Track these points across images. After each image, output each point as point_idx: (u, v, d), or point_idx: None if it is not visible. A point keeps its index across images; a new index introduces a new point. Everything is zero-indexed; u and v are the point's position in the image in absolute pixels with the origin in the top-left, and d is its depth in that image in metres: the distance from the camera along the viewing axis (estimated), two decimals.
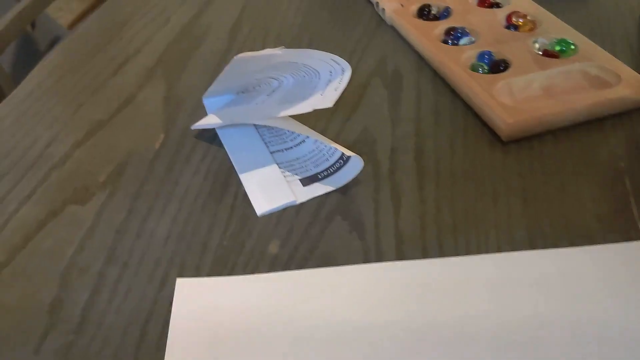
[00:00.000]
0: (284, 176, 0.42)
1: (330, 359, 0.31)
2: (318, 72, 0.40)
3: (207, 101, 0.48)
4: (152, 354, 0.31)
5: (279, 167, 0.42)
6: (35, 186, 0.42)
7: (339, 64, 0.38)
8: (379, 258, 0.36)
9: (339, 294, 0.34)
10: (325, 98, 0.38)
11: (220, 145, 0.45)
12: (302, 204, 0.40)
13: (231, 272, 0.36)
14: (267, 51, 0.36)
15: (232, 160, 0.43)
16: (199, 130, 0.46)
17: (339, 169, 0.42)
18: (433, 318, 0.33)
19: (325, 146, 0.43)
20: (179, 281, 0.35)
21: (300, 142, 0.44)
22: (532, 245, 0.37)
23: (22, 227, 0.39)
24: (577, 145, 0.44)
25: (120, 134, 0.46)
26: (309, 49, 0.37)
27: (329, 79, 0.39)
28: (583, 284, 0.34)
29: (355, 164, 0.41)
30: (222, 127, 0.45)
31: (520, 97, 0.46)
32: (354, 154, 0.40)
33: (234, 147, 0.44)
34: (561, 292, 0.34)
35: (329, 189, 0.41)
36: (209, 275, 0.36)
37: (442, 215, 0.39)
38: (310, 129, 0.44)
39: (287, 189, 0.40)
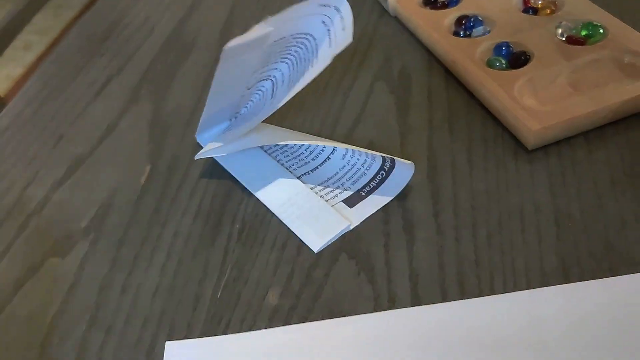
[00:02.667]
0: (326, 201, 0.37)
1: None
2: (311, 35, 0.35)
3: (201, 137, 0.43)
4: None
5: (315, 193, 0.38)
6: (12, 239, 0.38)
7: (329, 6, 0.33)
8: (392, 304, 0.32)
9: (346, 350, 0.30)
10: (340, 39, 0.34)
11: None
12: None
13: (226, 330, 0.32)
14: (257, 30, 0.31)
15: (262, 201, 0.38)
16: (189, 159, 0.42)
17: (383, 180, 0.37)
18: None
19: (359, 159, 0.38)
20: (169, 345, 0.32)
21: (326, 160, 0.40)
22: (567, 278, 0.32)
23: None
24: (613, 148, 0.38)
25: (102, 169, 0.42)
26: (295, 6, 0.32)
27: (327, 30, 0.34)
28: (633, 319, 0.29)
29: (403, 172, 0.36)
30: (232, 152, 0.40)
31: (545, 96, 0.41)
32: (401, 159, 0.36)
33: (255, 183, 0.39)
34: (606, 332, 0.29)
35: (381, 202, 0.37)
36: (201, 334, 0.32)
37: (462, 248, 0.34)
38: (330, 140, 0.39)
39: (336, 214, 0.36)
